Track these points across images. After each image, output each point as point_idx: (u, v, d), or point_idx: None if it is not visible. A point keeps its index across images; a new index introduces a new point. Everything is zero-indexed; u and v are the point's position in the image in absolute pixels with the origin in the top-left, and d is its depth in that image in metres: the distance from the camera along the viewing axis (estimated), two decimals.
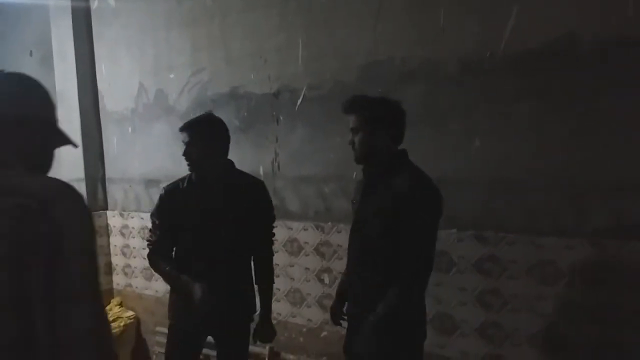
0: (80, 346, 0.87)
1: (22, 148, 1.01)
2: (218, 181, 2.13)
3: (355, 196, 2.02)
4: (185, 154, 2.09)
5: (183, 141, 2.09)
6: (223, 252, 2.11)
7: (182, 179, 2.19)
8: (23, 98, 1.02)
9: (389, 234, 1.74)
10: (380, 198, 1.78)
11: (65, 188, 0.94)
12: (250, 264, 2.28)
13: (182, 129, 2.10)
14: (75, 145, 1.14)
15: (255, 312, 2.30)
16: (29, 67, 4.31)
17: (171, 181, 2.24)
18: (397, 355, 1.77)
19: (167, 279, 2.18)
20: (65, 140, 1.13)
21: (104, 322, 0.96)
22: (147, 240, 2.21)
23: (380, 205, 1.77)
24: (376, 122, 1.80)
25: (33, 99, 1.04)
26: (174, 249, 2.19)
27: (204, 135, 2.09)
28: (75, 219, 0.90)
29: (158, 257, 2.17)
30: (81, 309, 0.87)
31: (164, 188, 2.22)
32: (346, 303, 2.12)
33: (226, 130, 2.18)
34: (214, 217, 2.09)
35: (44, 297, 0.84)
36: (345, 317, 2.12)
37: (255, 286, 2.31)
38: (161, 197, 2.18)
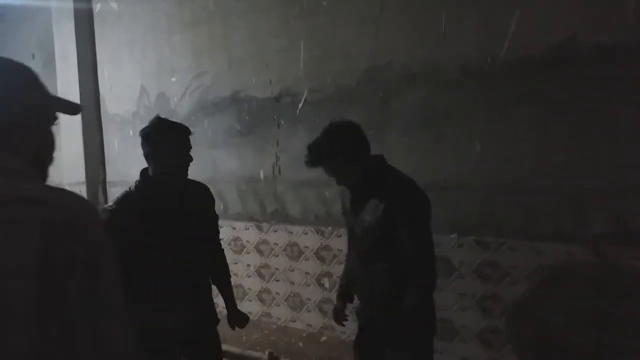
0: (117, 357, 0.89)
1: (23, 144, 0.97)
2: (173, 189, 2.00)
3: (344, 207, 2.03)
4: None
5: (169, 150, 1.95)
6: (188, 263, 2.01)
7: (130, 194, 1.96)
8: (6, 85, 0.96)
9: (386, 242, 1.77)
10: (371, 210, 1.80)
11: (86, 202, 0.95)
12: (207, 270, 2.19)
13: (185, 134, 2.04)
14: (75, 110, 1.07)
15: (218, 320, 2.21)
16: None
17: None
18: (412, 351, 1.81)
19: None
20: (62, 107, 1.07)
21: (134, 333, 0.97)
22: None
23: (373, 217, 1.78)
24: (336, 158, 1.82)
25: (16, 82, 0.98)
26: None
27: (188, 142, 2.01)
28: (101, 235, 0.91)
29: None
30: (118, 322, 0.89)
31: (110, 206, 1.95)
32: (348, 304, 2.14)
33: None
34: (176, 229, 1.94)
35: (83, 313, 0.85)
36: (348, 318, 2.14)
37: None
38: (111, 216, 1.90)
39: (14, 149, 0.94)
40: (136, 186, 1.97)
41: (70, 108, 1.09)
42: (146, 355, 1.98)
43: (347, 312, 2.15)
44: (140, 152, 3.76)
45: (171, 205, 1.95)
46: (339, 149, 1.82)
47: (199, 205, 2.08)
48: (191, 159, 2.02)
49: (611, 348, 2.05)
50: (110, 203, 1.97)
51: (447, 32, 2.35)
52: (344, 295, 2.15)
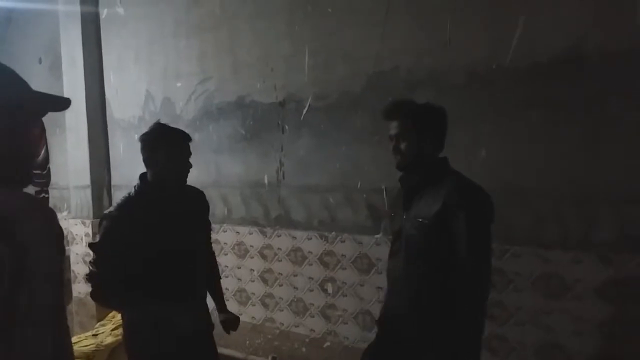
0: None
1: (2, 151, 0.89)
2: (171, 194, 2.01)
3: (394, 208, 1.93)
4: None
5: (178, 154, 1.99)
6: (193, 268, 2.04)
7: (130, 199, 1.96)
8: None
9: (441, 244, 1.65)
10: (428, 206, 1.68)
11: (30, 204, 0.87)
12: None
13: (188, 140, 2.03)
14: (64, 104, 1.00)
15: (213, 326, 2.21)
16: (38, 74, 4.36)
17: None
18: None
19: (135, 308, 1.94)
20: (47, 104, 0.99)
21: (65, 345, 0.90)
22: (91, 276, 1.89)
23: (430, 213, 1.67)
24: (424, 128, 1.73)
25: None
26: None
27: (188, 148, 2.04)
28: (39, 239, 0.84)
29: (116, 289, 1.90)
30: (41, 333, 0.83)
31: (111, 212, 1.93)
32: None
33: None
34: (174, 235, 1.95)
35: (3, 320, 0.79)
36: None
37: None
38: (112, 222, 1.89)
39: None
40: (136, 191, 1.98)
41: (57, 104, 1.01)
42: None
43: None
44: None
45: (169, 210, 1.95)
46: (432, 122, 1.74)
47: (195, 211, 2.10)
48: (190, 166, 2.03)
49: (617, 356, 2.03)
50: (111, 208, 1.97)
51: (453, 38, 2.35)
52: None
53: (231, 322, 2.17)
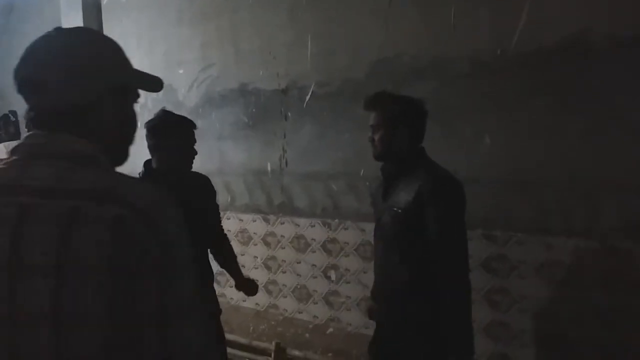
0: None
1: (102, 131, 0.86)
2: (176, 181, 2.01)
3: (375, 197, 1.98)
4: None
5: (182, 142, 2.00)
6: (198, 255, 2.07)
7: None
8: (99, 57, 0.86)
9: (416, 232, 1.70)
10: (403, 195, 1.74)
11: (164, 198, 0.85)
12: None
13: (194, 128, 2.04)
14: (158, 85, 0.99)
15: (221, 311, 2.23)
16: None
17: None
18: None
19: None
20: (146, 83, 0.97)
21: (214, 334, 0.92)
22: None
23: (404, 202, 1.72)
24: (398, 120, 1.76)
25: (100, 57, 0.87)
26: None
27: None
28: (179, 233, 0.83)
29: None
30: (194, 323, 0.83)
31: None
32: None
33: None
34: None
35: (156, 315, 0.78)
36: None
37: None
38: None
39: (93, 132, 0.85)
40: (140, 178, 1.99)
41: (154, 84, 1.00)
42: None
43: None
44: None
45: (174, 197, 1.95)
46: (409, 116, 1.78)
47: (201, 197, 2.10)
48: (195, 153, 2.04)
49: (621, 343, 2.04)
50: None
51: (457, 25, 2.33)
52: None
53: (248, 287, 2.24)
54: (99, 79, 0.85)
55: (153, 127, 1.97)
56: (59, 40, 0.85)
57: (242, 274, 2.32)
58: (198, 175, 2.19)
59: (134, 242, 0.76)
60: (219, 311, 2.19)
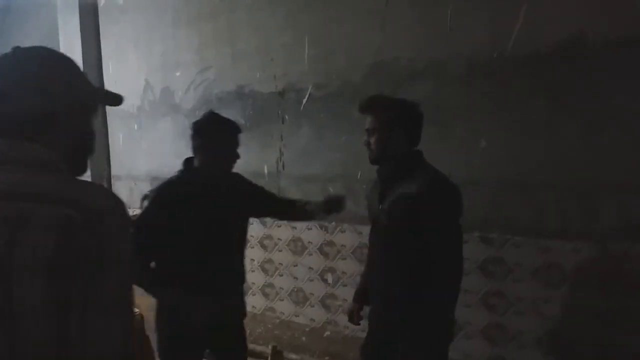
0: (107, 354, 0.87)
1: (62, 142, 0.95)
2: (218, 182, 2.05)
3: (371, 199, 1.99)
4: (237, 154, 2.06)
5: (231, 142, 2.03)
6: (234, 248, 2.09)
7: (172, 181, 2.00)
8: (52, 75, 0.93)
9: (412, 236, 1.70)
10: (399, 199, 1.74)
11: (109, 196, 0.92)
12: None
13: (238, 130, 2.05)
14: (118, 101, 1.07)
15: (246, 312, 2.24)
16: None
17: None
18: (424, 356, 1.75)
19: (157, 291, 1.96)
20: (105, 98, 1.07)
21: (131, 329, 0.95)
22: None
23: (400, 205, 1.72)
24: (393, 123, 1.77)
25: (59, 73, 0.95)
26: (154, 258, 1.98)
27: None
28: (117, 230, 0.88)
29: (145, 269, 1.93)
30: (114, 320, 0.87)
31: (156, 190, 1.98)
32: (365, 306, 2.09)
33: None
34: (221, 215, 2.00)
35: (80, 306, 0.84)
36: (363, 319, 2.10)
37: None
38: (155, 200, 1.94)
39: (53, 142, 0.92)
40: (181, 175, 2.01)
41: (113, 99, 1.08)
42: (174, 345, 2.04)
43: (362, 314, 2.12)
44: (144, 145, 3.78)
45: (213, 197, 1.98)
46: (404, 119, 1.78)
47: (238, 200, 2.10)
48: (238, 156, 2.05)
49: (618, 345, 2.04)
50: (155, 187, 2.01)
51: (454, 27, 2.33)
52: (361, 297, 2.10)
53: (335, 203, 2.19)
54: (55, 94, 0.92)
55: (198, 128, 1.99)
56: (18, 57, 0.94)
57: (313, 203, 2.26)
58: (238, 178, 2.19)
59: (77, 242, 0.82)
60: (244, 315, 2.21)
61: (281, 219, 2.51)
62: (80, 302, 0.84)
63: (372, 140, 1.80)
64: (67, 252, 0.82)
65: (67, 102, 0.94)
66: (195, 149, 2.00)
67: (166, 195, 1.95)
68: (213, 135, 1.98)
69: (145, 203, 1.95)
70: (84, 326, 0.84)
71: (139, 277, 1.90)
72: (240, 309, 2.19)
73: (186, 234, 1.91)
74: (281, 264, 3.09)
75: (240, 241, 2.14)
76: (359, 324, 2.14)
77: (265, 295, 3.18)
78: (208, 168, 1.99)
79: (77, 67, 1.00)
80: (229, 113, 3.23)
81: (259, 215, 2.40)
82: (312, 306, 2.97)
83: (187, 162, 2.03)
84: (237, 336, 2.19)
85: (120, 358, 0.89)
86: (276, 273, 3.11)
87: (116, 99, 1.08)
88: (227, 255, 2.05)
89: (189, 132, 1.99)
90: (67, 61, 0.99)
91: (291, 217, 2.42)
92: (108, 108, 3.96)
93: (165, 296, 1.97)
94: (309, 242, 2.94)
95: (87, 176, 3.74)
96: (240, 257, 2.15)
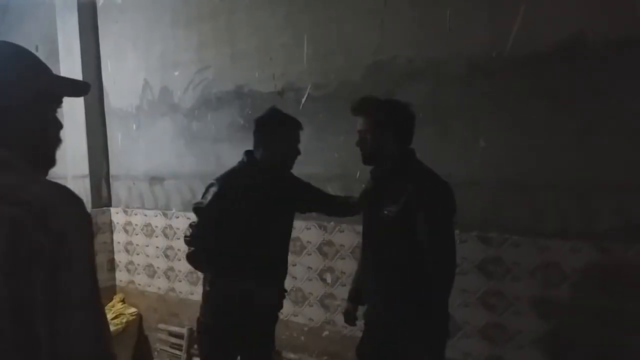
0: (80, 353, 0.86)
1: (23, 137, 0.92)
2: (277, 175, 2.14)
3: (363, 199, 2.00)
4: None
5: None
6: (284, 242, 2.19)
7: (234, 170, 2.10)
8: (10, 69, 0.92)
9: (405, 234, 1.72)
10: (393, 198, 1.75)
11: (63, 194, 0.90)
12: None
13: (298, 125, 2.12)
14: (84, 89, 1.03)
15: (277, 319, 2.34)
16: None
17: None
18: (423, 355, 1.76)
19: (221, 275, 2.05)
20: (68, 88, 1.03)
21: (104, 327, 0.94)
22: (189, 237, 2.01)
23: (394, 205, 1.74)
24: (384, 124, 1.79)
25: (14, 65, 0.93)
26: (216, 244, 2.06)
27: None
28: (73, 227, 0.87)
29: (210, 254, 2.02)
30: (82, 316, 0.86)
31: (221, 179, 2.06)
32: (359, 306, 2.12)
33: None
34: (279, 205, 2.10)
35: (45, 305, 0.83)
36: (359, 319, 2.12)
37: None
38: (221, 188, 2.01)
39: (9, 139, 0.90)
40: (243, 165, 2.09)
41: (77, 89, 1.04)
42: (207, 346, 2.12)
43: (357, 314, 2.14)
44: (143, 145, 3.78)
45: (271, 189, 2.06)
46: (395, 119, 1.80)
47: (294, 193, 2.20)
48: (298, 153, 2.13)
49: (617, 345, 2.04)
50: (220, 176, 2.09)
51: (453, 27, 2.33)
52: (356, 297, 2.12)
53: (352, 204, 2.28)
54: (13, 87, 0.90)
55: (260, 124, 2.07)
56: None
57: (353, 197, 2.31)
58: (290, 173, 2.24)
59: (28, 242, 0.81)
60: (277, 318, 2.32)
61: (328, 214, 2.52)
62: (46, 303, 0.82)
63: (365, 140, 1.83)
64: (18, 253, 0.81)
65: (21, 96, 0.91)
66: (258, 143, 2.07)
67: (233, 186, 2.02)
68: (272, 130, 2.06)
69: (213, 189, 2.01)
70: (54, 327, 0.83)
71: (207, 262, 2.03)
72: (278, 302, 2.25)
73: (246, 223, 1.99)
74: None
75: (289, 234, 2.23)
76: (355, 324, 2.14)
77: None
78: (268, 163, 2.07)
79: (34, 58, 0.97)
80: (228, 112, 3.24)
81: (306, 210, 2.44)
82: (311, 306, 2.97)
83: (248, 154, 2.11)
84: (267, 338, 2.30)
85: (96, 358, 0.88)
86: None
87: (82, 89, 1.04)
88: (280, 247, 2.16)
89: (253, 127, 2.09)
90: (22, 54, 0.96)
91: (335, 213, 2.46)
92: (107, 108, 3.96)
93: (229, 280, 2.03)
94: (307, 241, 2.94)
95: (85, 176, 3.78)
96: (287, 251, 2.25)
